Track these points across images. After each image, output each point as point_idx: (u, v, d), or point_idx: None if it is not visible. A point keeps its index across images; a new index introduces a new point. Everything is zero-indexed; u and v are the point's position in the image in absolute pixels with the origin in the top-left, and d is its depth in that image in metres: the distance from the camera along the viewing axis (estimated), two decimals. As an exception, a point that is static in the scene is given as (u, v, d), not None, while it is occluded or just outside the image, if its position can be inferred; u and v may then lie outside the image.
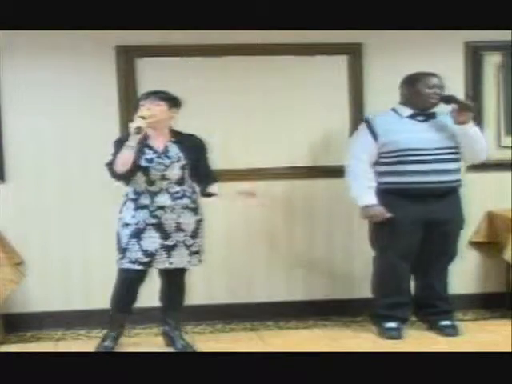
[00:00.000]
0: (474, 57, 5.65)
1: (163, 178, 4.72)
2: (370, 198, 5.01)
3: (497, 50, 5.66)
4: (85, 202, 5.37)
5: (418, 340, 5.09)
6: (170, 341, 4.92)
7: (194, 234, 4.79)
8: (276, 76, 5.52)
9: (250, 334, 5.31)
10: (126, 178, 4.70)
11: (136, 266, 4.70)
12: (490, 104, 5.59)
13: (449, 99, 5.01)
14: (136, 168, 4.67)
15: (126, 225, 4.73)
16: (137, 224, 4.71)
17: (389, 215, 4.96)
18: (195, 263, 4.83)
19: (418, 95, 5.01)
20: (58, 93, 5.37)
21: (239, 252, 5.59)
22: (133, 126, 4.59)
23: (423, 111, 5.05)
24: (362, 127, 5.09)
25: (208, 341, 5.11)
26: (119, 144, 4.67)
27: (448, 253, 5.15)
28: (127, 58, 5.38)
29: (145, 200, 4.72)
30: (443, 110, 5.04)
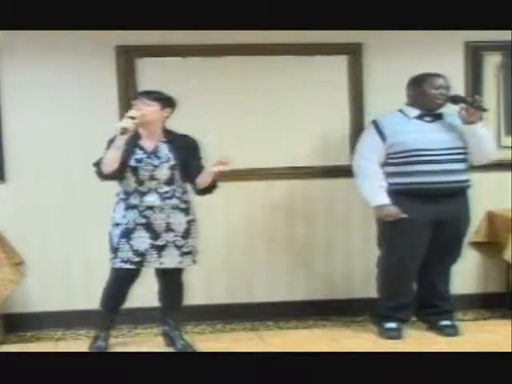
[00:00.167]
0: (474, 57, 5.65)
1: (152, 178, 4.71)
2: (383, 198, 5.00)
3: (497, 50, 5.66)
4: (85, 201, 5.37)
5: (418, 340, 5.09)
6: (170, 341, 4.92)
7: (186, 235, 4.77)
8: (276, 76, 5.52)
9: (250, 334, 5.31)
10: (114, 178, 4.70)
11: (128, 266, 4.70)
12: (490, 104, 5.57)
13: (457, 99, 5.01)
14: (124, 168, 4.66)
15: (117, 224, 4.74)
16: (127, 224, 4.71)
17: (403, 215, 4.95)
18: (188, 263, 4.80)
19: (425, 96, 5.01)
20: (58, 93, 5.37)
21: (239, 252, 5.59)
22: (119, 126, 4.60)
23: (430, 112, 5.05)
24: (370, 128, 5.09)
25: (208, 341, 5.11)
26: (110, 144, 4.68)
27: (453, 253, 5.15)
28: (127, 58, 5.38)
29: (134, 200, 4.72)
30: (450, 111, 5.03)
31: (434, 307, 5.21)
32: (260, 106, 5.52)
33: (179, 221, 4.75)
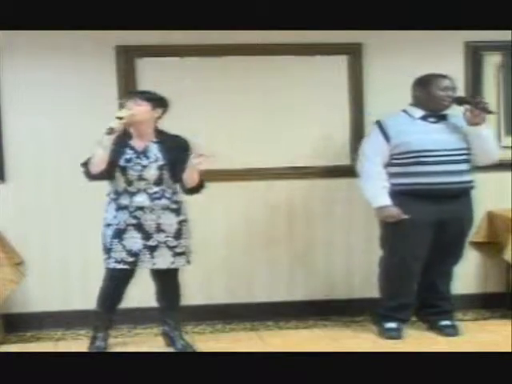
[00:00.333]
0: (474, 57, 5.65)
1: (140, 178, 4.69)
2: (385, 199, 4.99)
3: (497, 50, 5.66)
4: (84, 202, 5.36)
5: (418, 340, 5.08)
6: (170, 341, 4.92)
7: (177, 235, 4.74)
8: (276, 76, 5.52)
9: (250, 334, 5.31)
10: (102, 178, 4.69)
11: (122, 266, 4.69)
12: (490, 104, 5.55)
13: (462, 101, 5.00)
14: (113, 168, 4.66)
15: (109, 225, 4.73)
16: (118, 224, 4.70)
17: (404, 216, 4.95)
18: (181, 264, 4.78)
19: (431, 97, 4.99)
20: (58, 93, 5.37)
21: (239, 252, 5.59)
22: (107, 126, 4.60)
23: (435, 113, 5.04)
24: (374, 129, 5.07)
25: (208, 341, 5.11)
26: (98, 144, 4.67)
27: (455, 254, 5.15)
28: (127, 58, 5.38)
29: (124, 200, 4.71)
30: (455, 112, 5.02)
31: (435, 307, 5.21)
32: (260, 106, 5.52)
33: (170, 221, 4.73)
